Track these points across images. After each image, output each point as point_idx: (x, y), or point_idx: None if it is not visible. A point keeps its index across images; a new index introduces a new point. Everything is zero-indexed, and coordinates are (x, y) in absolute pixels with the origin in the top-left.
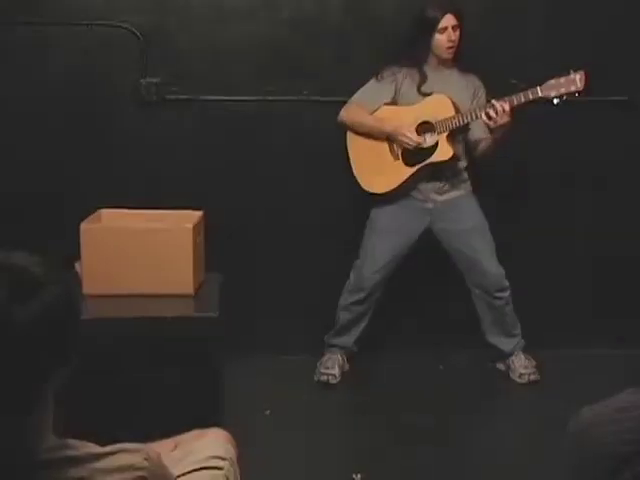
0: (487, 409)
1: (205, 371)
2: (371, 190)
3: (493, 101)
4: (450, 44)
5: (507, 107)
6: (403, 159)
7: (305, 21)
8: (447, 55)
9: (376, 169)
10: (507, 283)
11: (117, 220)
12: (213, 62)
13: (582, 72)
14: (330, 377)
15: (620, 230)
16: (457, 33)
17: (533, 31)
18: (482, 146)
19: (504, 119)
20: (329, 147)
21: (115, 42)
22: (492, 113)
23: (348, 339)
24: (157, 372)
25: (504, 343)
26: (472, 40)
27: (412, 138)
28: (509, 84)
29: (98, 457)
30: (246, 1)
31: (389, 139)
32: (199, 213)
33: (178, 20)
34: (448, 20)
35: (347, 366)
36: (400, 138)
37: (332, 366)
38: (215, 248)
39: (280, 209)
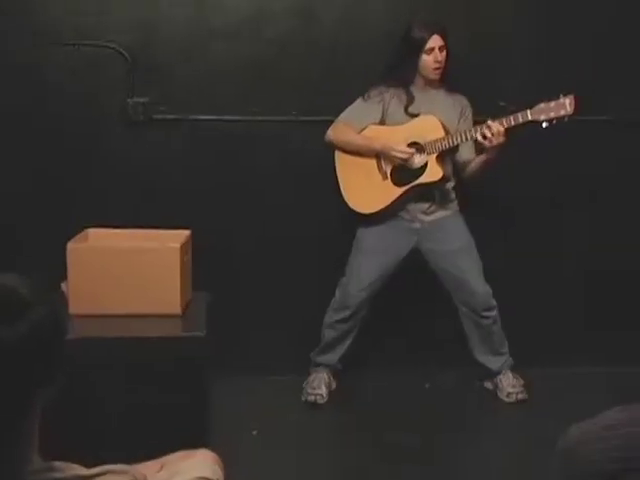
0: (474, 428)
1: (192, 391)
2: (359, 210)
3: (489, 122)
4: (437, 65)
5: (502, 128)
6: (392, 179)
7: (292, 41)
8: (434, 76)
9: (364, 189)
10: (494, 302)
11: (104, 239)
12: (200, 82)
13: (572, 96)
14: (318, 397)
15: (608, 249)
16: (444, 54)
17: (520, 53)
18: (471, 167)
19: (500, 139)
20: (317, 167)
21: (102, 62)
22: (488, 134)
23: (333, 357)
24: (144, 392)
25: (492, 361)
26: (460, 63)
27: (403, 150)
28: (497, 106)
29: (85, 479)
30: (233, 21)
31: (378, 158)
32: (186, 232)
33: (165, 40)
34: (435, 41)
35: (334, 384)
36: (392, 153)
37: (319, 386)
38: (202, 267)
39: (267, 229)
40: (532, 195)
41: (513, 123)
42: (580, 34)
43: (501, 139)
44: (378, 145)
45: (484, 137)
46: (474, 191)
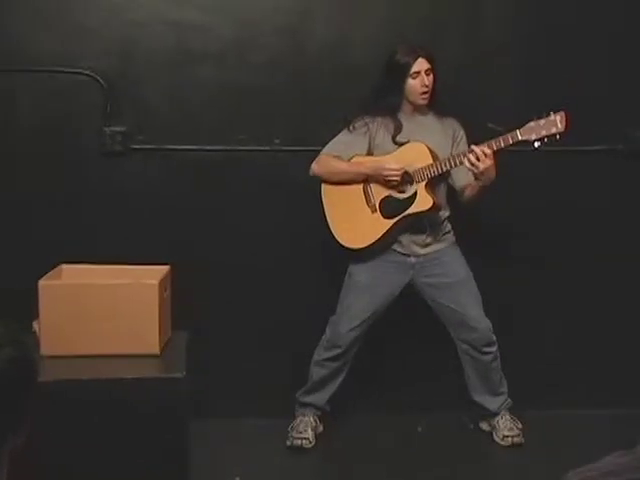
0: (467, 474)
1: (171, 435)
2: (349, 246)
3: (473, 146)
4: (424, 89)
5: (488, 151)
6: (381, 211)
7: (276, 67)
8: (421, 101)
9: (353, 223)
10: (494, 337)
11: (78, 276)
12: (180, 110)
13: (562, 113)
14: (304, 441)
15: (610, 285)
16: (430, 77)
17: (511, 79)
18: (467, 193)
19: (486, 163)
20: (301, 198)
21: (78, 89)
22: (473, 159)
23: (322, 397)
24: (120, 436)
25: (490, 402)
26: (450, 87)
27: (395, 167)
28: (487, 129)
29: None
30: (215, 46)
31: (365, 191)
32: (166, 268)
33: (143, 66)
34: (420, 64)
35: (321, 428)
36: (384, 173)
37: (304, 429)
38: (182, 304)
39: (250, 263)
40: (532, 230)
41: (502, 145)
42: (573, 61)
43: (488, 162)
44: (367, 169)
45: (471, 163)
46: (470, 220)
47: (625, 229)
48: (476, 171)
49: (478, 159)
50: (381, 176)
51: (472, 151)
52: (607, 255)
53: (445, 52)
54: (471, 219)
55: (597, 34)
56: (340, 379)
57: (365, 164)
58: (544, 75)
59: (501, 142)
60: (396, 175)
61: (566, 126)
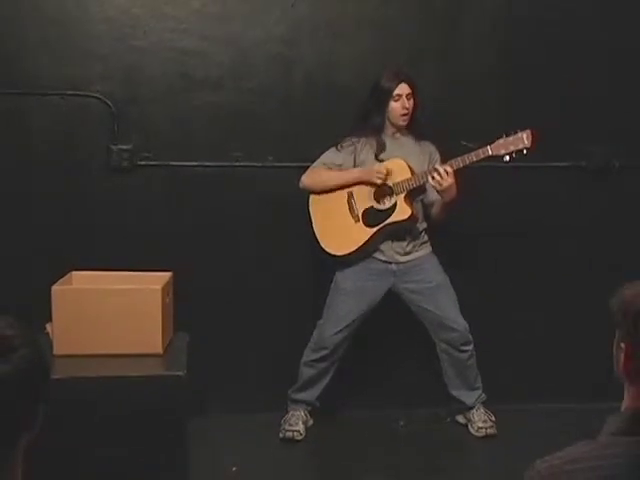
0: (445, 464)
1: (173, 427)
2: (333, 252)
3: (436, 165)
4: (404, 111)
5: (449, 169)
6: (364, 221)
7: (268, 91)
8: (401, 122)
9: (338, 231)
10: (471, 337)
11: (88, 282)
12: (181, 129)
13: (529, 131)
14: (295, 433)
15: (579, 285)
16: (411, 101)
17: (485, 102)
18: (434, 209)
19: (448, 182)
20: (293, 210)
21: (87, 110)
22: (436, 176)
23: (312, 394)
24: (126, 428)
25: (466, 396)
26: (429, 107)
27: (380, 169)
28: (461, 146)
29: None
30: (214, 71)
31: (349, 202)
32: (168, 274)
33: (148, 89)
34: (402, 89)
35: (311, 421)
36: (373, 174)
37: (296, 423)
38: (183, 308)
39: (245, 270)
40: (503, 233)
41: (473, 159)
42: (549, 80)
43: (450, 181)
44: (356, 172)
45: (433, 179)
46: (443, 233)
47: (588, 241)
48: (439, 188)
49: (440, 176)
50: (371, 177)
51: (435, 169)
52: (571, 263)
53: (425, 77)
54: (444, 232)
55: (563, 60)
56: (328, 377)
57: (352, 171)
58: (515, 97)
59: (472, 157)
60: (382, 174)
61: (532, 142)
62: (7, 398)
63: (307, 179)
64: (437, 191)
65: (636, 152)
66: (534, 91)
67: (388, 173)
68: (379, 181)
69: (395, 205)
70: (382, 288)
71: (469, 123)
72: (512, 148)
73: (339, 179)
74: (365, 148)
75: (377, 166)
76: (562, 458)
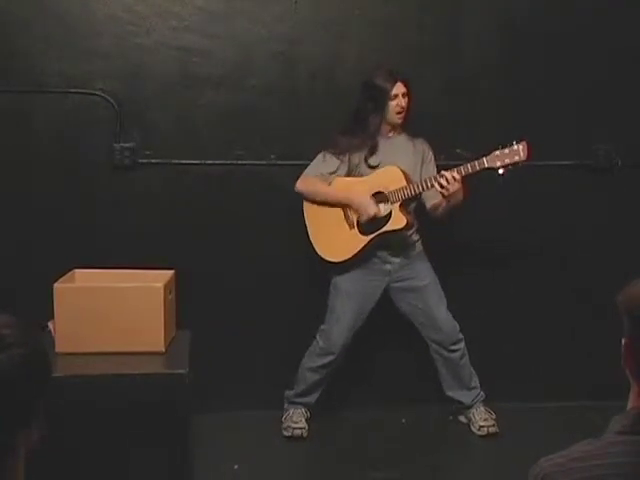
0: (448, 462)
1: (175, 425)
2: (328, 259)
3: (443, 172)
4: (399, 109)
5: (457, 176)
6: (358, 228)
7: (271, 89)
8: (397, 120)
9: (333, 238)
10: (461, 336)
11: (90, 280)
12: (184, 127)
13: (524, 143)
14: (302, 431)
15: (575, 284)
16: (406, 99)
17: (486, 104)
18: (438, 212)
19: (455, 187)
20: (295, 208)
21: (90, 108)
22: (444, 182)
23: (313, 397)
24: (129, 425)
25: (463, 396)
26: (429, 107)
27: (373, 210)
28: (455, 153)
29: None
30: (217, 69)
31: (344, 208)
32: (170, 272)
33: (151, 87)
34: (398, 88)
35: (309, 416)
36: (366, 212)
37: (299, 420)
38: (185, 306)
39: (247, 268)
40: (506, 232)
41: (470, 171)
42: (540, 84)
43: (457, 186)
44: (346, 200)
45: (441, 186)
46: (437, 232)
47: (591, 239)
48: (445, 193)
49: (448, 182)
50: (364, 211)
51: (443, 176)
52: (574, 262)
53: (425, 77)
54: (438, 230)
55: (564, 59)
56: (326, 383)
57: (347, 197)
58: (515, 97)
59: (469, 168)
60: (368, 216)
61: (527, 155)
62: (6, 396)
63: (302, 185)
64: (443, 196)
65: None
66: (534, 91)
67: (375, 218)
68: (365, 218)
69: (390, 213)
70: (380, 287)
71: (469, 123)
72: (507, 161)
73: (332, 198)
74: (357, 152)
75: (370, 208)
76: (567, 456)
